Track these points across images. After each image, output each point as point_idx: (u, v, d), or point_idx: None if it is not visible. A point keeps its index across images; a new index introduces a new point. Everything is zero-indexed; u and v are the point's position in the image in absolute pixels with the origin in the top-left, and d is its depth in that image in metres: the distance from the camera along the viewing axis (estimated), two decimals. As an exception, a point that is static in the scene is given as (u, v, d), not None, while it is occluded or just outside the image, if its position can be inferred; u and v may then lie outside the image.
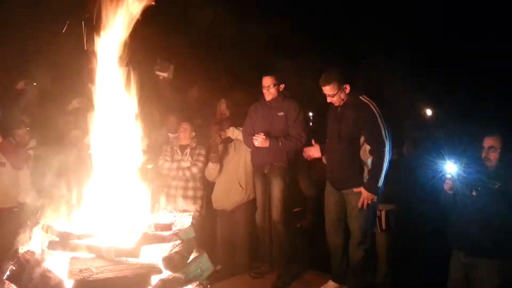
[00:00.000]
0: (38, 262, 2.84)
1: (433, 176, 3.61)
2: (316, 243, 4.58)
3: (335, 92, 3.98)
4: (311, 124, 6.68)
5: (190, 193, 4.99)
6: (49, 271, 2.77)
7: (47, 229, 2.97)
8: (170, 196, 4.89)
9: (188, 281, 3.04)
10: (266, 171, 4.56)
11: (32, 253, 2.96)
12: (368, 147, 3.87)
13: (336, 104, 4.06)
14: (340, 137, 4.00)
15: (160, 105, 5.68)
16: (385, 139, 3.81)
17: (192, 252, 3.22)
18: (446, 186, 3.53)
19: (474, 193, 3.38)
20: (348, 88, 4.01)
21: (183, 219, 3.34)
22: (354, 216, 3.93)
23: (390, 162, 3.87)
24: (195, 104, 5.95)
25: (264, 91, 4.55)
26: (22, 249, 3.03)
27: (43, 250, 2.90)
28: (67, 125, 4.89)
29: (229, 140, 5.06)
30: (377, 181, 3.77)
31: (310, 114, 7.13)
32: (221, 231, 5.07)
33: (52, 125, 4.79)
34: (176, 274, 2.93)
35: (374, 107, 3.89)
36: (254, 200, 4.82)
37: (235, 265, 4.85)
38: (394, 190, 4.09)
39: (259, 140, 4.41)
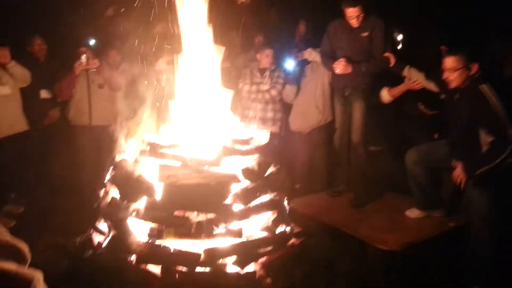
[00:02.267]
0: (132, 169, 3.17)
1: None
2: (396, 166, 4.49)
3: (459, 67, 3.38)
4: (400, 46, 6.31)
5: (269, 115, 5.10)
6: (142, 176, 3.10)
7: (139, 141, 3.28)
8: (250, 118, 5.03)
9: (266, 191, 3.22)
10: (346, 94, 4.46)
11: (127, 161, 3.31)
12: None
13: (452, 85, 3.48)
14: (457, 126, 3.56)
15: (241, 28, 5.69)
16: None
17: (269, 166, 3.37)
18: None
19: None
20: (475, 68, 3.37)
21: (261, 135, 3.48)
22: None
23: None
24: (275, 26, 5.87)
25: (350, 20, 4.29)
26: (119, 158, 3.40)
27: (136, 159, 3.23)
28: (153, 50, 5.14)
29: (306, 62, 4.99)
30: (477, 169, 3.30)
31: (400, 36, 6.66)
32: (298, 152, 5.17)
33: (138, 49, 5.07)
34: (254, 184, 3.12)
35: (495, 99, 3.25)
36: (331, 123, 4.80)
37: (313, 185, 4.99)
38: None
39: (341, 67, 4.28)
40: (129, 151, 3.45)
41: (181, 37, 3.59)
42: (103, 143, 4.69)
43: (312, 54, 4.80)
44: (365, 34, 4.28)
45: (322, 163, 4.98)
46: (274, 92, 5.05)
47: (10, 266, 0.61)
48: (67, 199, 4.86)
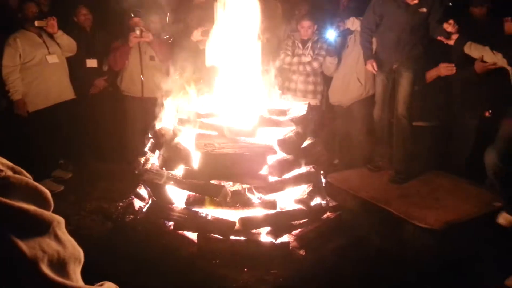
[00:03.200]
0: (171, 136, 3.23)
1: None
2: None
3: None
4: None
5: (310, 87, 5.00)
6: (180, 144, 3.15)
7: (178, 109, 3.32)
8: (290, 90, 4.98)
9: (302, 163, 3.19)
10: (395, 66, 4.29)
11: (167, 128, 3.37)
12: None
13: None
14: None
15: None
16: None
17: (306, 139, 3.33)
18: None
19: None
20: None
21: (299, 107, 3.42)
22: None
23: None
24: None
25: None
26: (158, 126, 3.47)
27: (175, 127, 3.28)
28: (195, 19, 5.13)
29: (348, 32, 4.81)
30: None
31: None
32: (338, 126, 5.07)
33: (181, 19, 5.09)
34: (290, 156, 3.10)
35: None
36: (372, 96, 4.65)
37: (352, 160, 4.90)
38: None
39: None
40: (169, 119, 3.51)
41: (220, 7, 3.55)
42: (151, 113, 4.79)
43: (355, 24, 4.62)
44: (424, 10, 4.06)
45: (362, 138, 4.85)
46: (315, 64, 4.93)
47: (29, 206, 0.61)
48: (114, 165, 5.08)
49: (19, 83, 4.45)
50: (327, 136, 4.81)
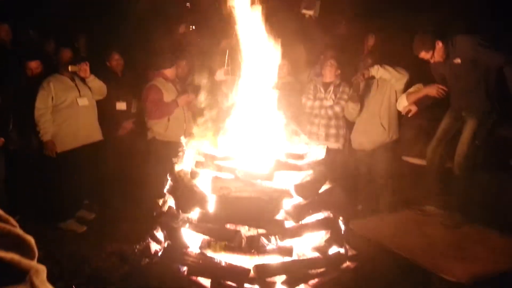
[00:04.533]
0: (188, 179, 3.23)
1: None
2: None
3: None
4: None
5: (333, 131, 4.95)
6: (196, 187, 3.14)
7: (196, 152, 3.34)
8: (312, 133, 4.95)
9: (319, 209, 3.11)
10: (463, 114, 4.27)
11: (185, 171, 3.38)
12: None
13: None
14: None
15: (307, 42, 5.66)
16: None
17: (324, 183, 3.25)
18: None
19: None
20: None
21: (318, 151, 3.38)
22: None
23: None
24: (343, 41, 5.74)
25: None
26: (177, 168, 3.49)
27: (192, 169, 3.29)
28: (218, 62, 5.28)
29: (372, 79, 4.79)
30: None
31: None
32: (361, 170, 4.95)
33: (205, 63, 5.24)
34: (307, 201, 3.03)
35: None
36: (396, 141, 4.56)
37: (375, 206, 4.74)
38: None
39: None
40: (187, 161, 3.53)
41: (243, 51, 3.62)
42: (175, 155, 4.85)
43: (379, 72, 4.58)
44: (458, 60, 4.06)
45: (386, 183, 4.71)
46: (337, 109, 4.91)
47: (7, 254, 0.59)
48: (137, 206, 5.11)
49: (50, 124, 4.64)
50: (349, 181, 4.70)
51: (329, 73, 4.98)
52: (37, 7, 6.25)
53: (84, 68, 4.82)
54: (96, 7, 6.29)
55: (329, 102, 4.93)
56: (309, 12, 5.56)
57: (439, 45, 4.06)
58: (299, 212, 2.99)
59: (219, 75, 4.93)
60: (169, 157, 5.05)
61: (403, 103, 4.43)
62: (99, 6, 6.58)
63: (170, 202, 3.42)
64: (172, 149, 5.06)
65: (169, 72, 5.19)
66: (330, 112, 4.92)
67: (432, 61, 4.19)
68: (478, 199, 4.19)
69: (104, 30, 6.21)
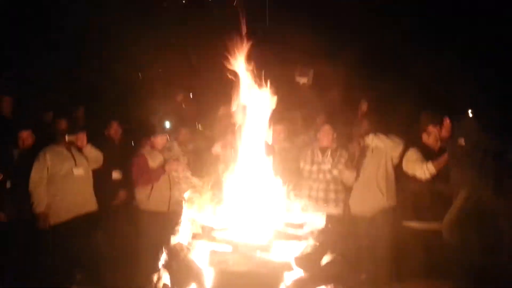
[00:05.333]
0: (185, 253, 3.10)
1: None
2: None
3: None
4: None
5: (332, 195, 4.89)
6: (192, 261, 3.01)
7: (192, 223, 3.25)
8: (311, 198, 4.86)
9: (321, 282, 2.96)
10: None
11: (181, 245, 3.26)
12: None
13: None
14: None
15: (302, 108, 5.76)
16: None
17: (325, 254, 3.13)
18: None
19: None
20: None
21: (317, 219, 3.29)
22: None
23: None
24: (336, 106, 5.86)
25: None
26: (173, 241, 3.37)
27: (189, 242, 3.17)
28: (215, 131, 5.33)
29: (367, 147, 4.82)
30: None
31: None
32: (362, 238, 4.82)
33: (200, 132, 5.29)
34: (308, 274, 2.89)
35: None
36: (396, 207, 4.49)
37: (378, 275, 4.55)
38: None
39: None
40: (184, 233, 3.42)
41: (242, 117, 3.65)
42: (170, 227, 4.70)
43: (374, 141, 4.63)
44: (462, 142, 4.23)
45: (388, 250, 4.56)
46: (336, 172, 4.89)
47: None
48: (130, 281, 4.89)
49: (43, 196, 4.57)
50: (350, 249, 4.55)
51: (325, 138, 5.01)
52: (36, 77, 6.43)
53: (82, 138, 4.84)
54: (93, 77, 6.47)
55: (327, 166, 4.92)
56: (303, 80, 5.72)
57: (447, 121, 4.25)
58: (300, 286, 2.84)
59: (216, 148, 4.94)
60: (155, 228, 4.94)
61: (432, 171, 4.45)
62: (97, 75, 6.77)
63: (165, 277, 3.26)
64: (157, 219, 4.97)
65: (156, 140, 5.16)
66: (328, 176, 4.90)
67: (443, 135, 4.38)
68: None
69: (103, 99, 6.34)
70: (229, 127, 4.87)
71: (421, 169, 4.48)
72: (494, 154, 4.10)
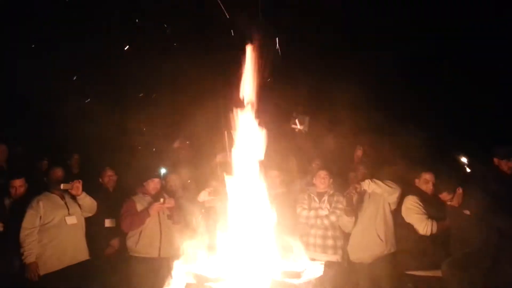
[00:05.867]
0: (178, 304, 2.99)
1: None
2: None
3: None
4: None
5: (330, 242, 4.79)
6: (187, 314, 2.89)
7: (186, 273, 3.15)
8: (309, 245, 4.78)
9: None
10: None
11: (174, 295, 3.15)
12: None
13: None
14: None
15: (298, 154, 5.78)
16: None
17: (325, 304, 3.02)
18: None
19: None
20: None
21: (315, 267, 3.21)
22: None
23: None
24: (332, 151, 5.88)
25: None
26: (167, 291, 3.25)
27: (183, 293, 3.06)
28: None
29: (364, 193, 4.80)
30: None
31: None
32: (362, 285, 4.68)
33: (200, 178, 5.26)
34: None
35: None
36: (395, 253, 4.41)
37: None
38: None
39: None
40: (178, 283, 3.31)
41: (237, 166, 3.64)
42: (162, 275, 4.56)
43: (371, 186, 4.62)
44: (467, 212, 4.37)
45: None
46: (333, 218, 4.82)
47: None
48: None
49: (34, 245, 4.45)
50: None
51: (322, 184, 4.99)
52: (30, 125, 6.46)
53: (77, 186, 4.78)
54: (88, 126, 6.51)
55: (324, 212, 4.87)
56: (299, 127, 5.77)
57: (460, 191, 4.36)
58: None
59: (203, 196, 4.90)
60: (146, 274, 4.79)
61: (434, 231, 4.49)
62: (91, 124, 6.81)
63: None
64: (147, 265, 4.83)
65: (148, 184, 5.10)
66: (326, 221, 4.83)
67: (449, 203, 4.46)
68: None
69: (97, 147, 6.34)
70: (215, 174, 4.89)
71: (425, 225, 4.48)
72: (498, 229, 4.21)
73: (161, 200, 4.91)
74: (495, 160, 4.67)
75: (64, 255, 4.61)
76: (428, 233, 4.46)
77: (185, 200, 5.06)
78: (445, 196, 4.42)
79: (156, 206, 4.90)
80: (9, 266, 4.60)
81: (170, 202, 4.97)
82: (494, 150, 4.74)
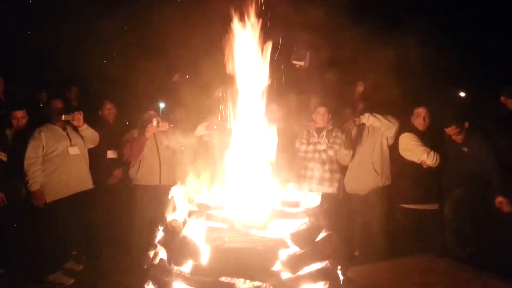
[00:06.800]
0: (181, 229, 3.14)
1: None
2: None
3: None
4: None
5: (327, 175, 4.93)
6: (189, 238, 3.04)
7: (189, 201, 3.27)
8: (307, 178, 4.92)
9: (317, 258, 3.01)
10: None
11: (177, 221, 3.29)
12: None
13: None
14: None
15: (297, 89, 5.75)
16: None
17: (320, 231, 3.18)
18: None
19: None
20: None
21: (312, 198, 3.33)
22: None
23: None
24: (332, 87, 5.85)
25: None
26: (169, 218, 3.40)
27: (185, 219, 3.20)
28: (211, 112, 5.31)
29: (363, 126, 4.85)
30: None
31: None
32: (356, 215, 4.89)
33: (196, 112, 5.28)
34: (304, 250, 2.94)
35: None
36: (389, 186, 4.55)
37: (372, 251, 4.64)
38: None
39: None
40: (181, 210, 3.44)
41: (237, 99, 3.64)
42: (165, 203, 4.73)
43: (370, 119, 4.65)
44: (465, 149, 4.50)
45: (381, 228, 4.64)
46: (331, 152, 4.92)
47: None
48: (127, 257, 4.95)
49: (38, 174, 4.56)
50: (345, 227, 4.63)
51: (321, 120, 5.04)
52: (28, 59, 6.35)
53: (78, 117, 4.81)
54: (88, 56, 6.40)
55: (322, 146, 4.95)
56: (299, 63, 5.67)
57: (467, 125, 4.40)
58: (295, 263, 2.89)
59: (200, 130, 4.94)
60: (150, 202, 4.99)
61: (438, 160, 4.55)
62: (91, 55, 6.70)
63: (162, 253, 3.30)
64: (150, 193, 5.02)
65: (146, 117, 5.17)
66: (324, 156, 4.93)
67: (454, 137, 4.50)
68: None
69: (97, 79, 6.28)
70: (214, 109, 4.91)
71: (433, 155, 4.54)
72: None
73: (154, 122, 4.99)
74: (502, 98, 4.61)
75: (69, 183, 4.74)
76: (436, 163, 4.53)
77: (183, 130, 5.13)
78: (453, 129, 4.40)
79: (150, 128, 5.01)
80: (17, 194, 4.75)
81: (164, 126, 5.06)
82: (501, 88, 4.67)
